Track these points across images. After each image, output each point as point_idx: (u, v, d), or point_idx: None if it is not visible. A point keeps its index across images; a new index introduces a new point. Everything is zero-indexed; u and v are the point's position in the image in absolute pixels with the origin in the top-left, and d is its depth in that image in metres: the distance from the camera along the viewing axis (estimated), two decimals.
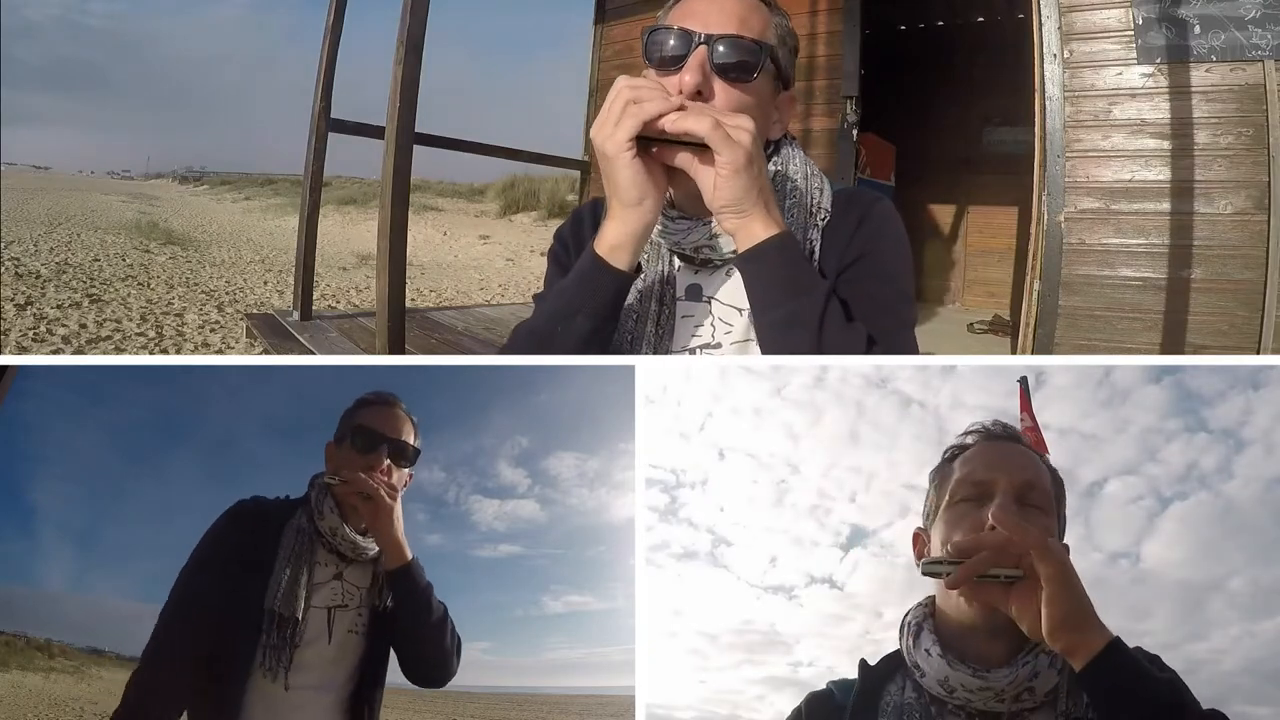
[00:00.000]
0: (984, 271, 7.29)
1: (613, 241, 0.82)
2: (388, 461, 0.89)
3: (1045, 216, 3.13)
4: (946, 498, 0.69)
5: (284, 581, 0.84)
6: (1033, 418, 1.01)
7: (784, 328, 0.80)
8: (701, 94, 0.81)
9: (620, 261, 0.82)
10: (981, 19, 7.06)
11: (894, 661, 0.69)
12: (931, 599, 0.70)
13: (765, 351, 0.84)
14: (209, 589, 0.83)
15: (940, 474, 0.71)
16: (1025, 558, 0.57)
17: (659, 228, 0.90)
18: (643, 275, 0.91)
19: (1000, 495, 0.65)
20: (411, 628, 0.88)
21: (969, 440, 0.71)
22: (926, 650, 0.65)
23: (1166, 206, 3.30)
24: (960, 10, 7.09)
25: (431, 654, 0.89)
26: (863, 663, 0.70)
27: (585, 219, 1.03)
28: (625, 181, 0.78)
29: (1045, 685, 0.62)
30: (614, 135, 0.77)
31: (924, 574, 0.60)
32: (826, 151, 4.59)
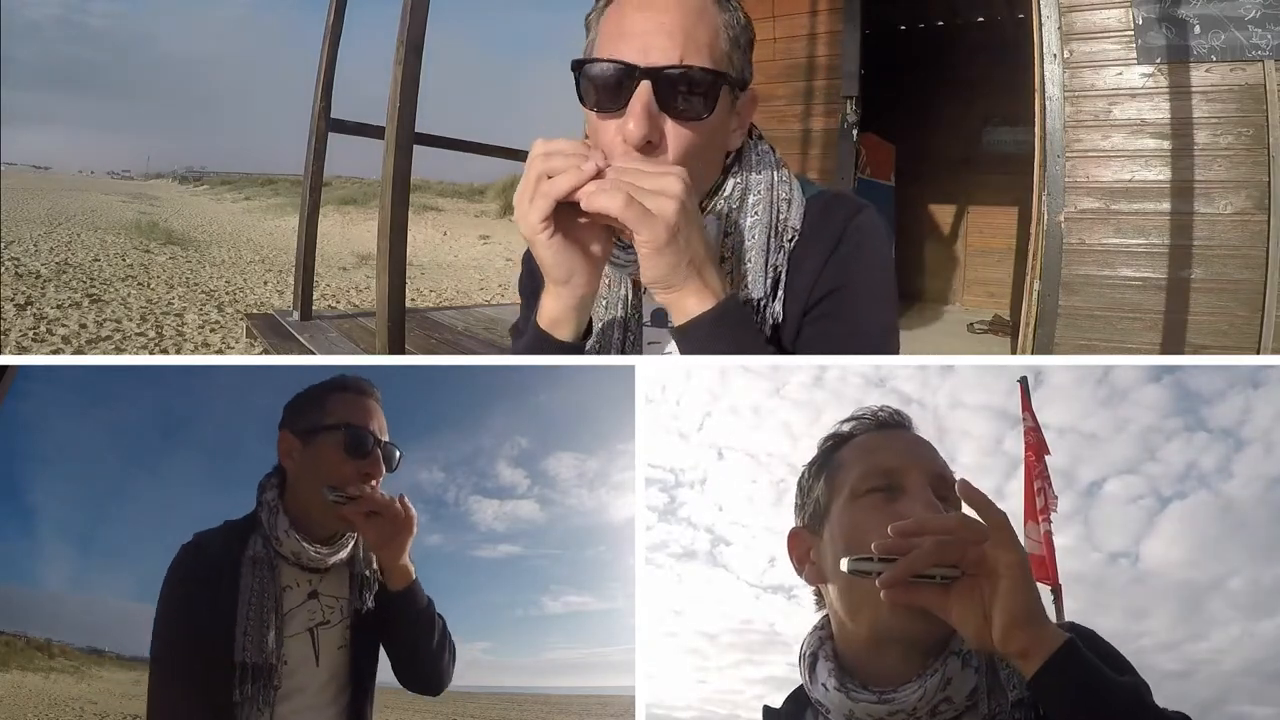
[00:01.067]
0: (984, 271, 7.29)
1: (552, 316, 0.77)
2: (383, 469, 0.82)
3: (1045, 216, 3.13)
4: (846, 491, 0.60)
5: (248, 629, 0.76)
6: (1034, 418, 1.01)
7: None
8: (652, 144, 0.72)
9: (564, 334, 0.77)
10: (981, 19, 7.06)
11: (799, 701, 0.62)
12: (827, 620, 0.63)
13: None
14: (182, 650, 0.77)
15: (826, 466, 0.63)
16: (967, 554, 0.50)
17: (614, 256, 0.81)
18: (604, 303, 0.86)
19: (916, 487, 0.58)
20: (413, 647, 0.83)
21: (850, 428, 0.64)
22: (824, 685, 0.58)
23: (1166, 206, 3.30)
24: (960, 10, 7.09)
25: (429, 669, 0.85)
26: (766, 710, 0.64)
27: None
28: (549, 262, 0.72)
29: (963, 689, 0.54)
30: (527, 217, 0.69)
31: (849, 573, 0.52)
32: (826, 151, 4.60)
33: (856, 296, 0.81)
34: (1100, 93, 3.41)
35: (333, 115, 4.78)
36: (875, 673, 0.57)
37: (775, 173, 0.83)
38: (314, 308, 4.98)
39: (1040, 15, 3.20)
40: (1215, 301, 3.23)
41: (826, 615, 0.63)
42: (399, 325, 3.39)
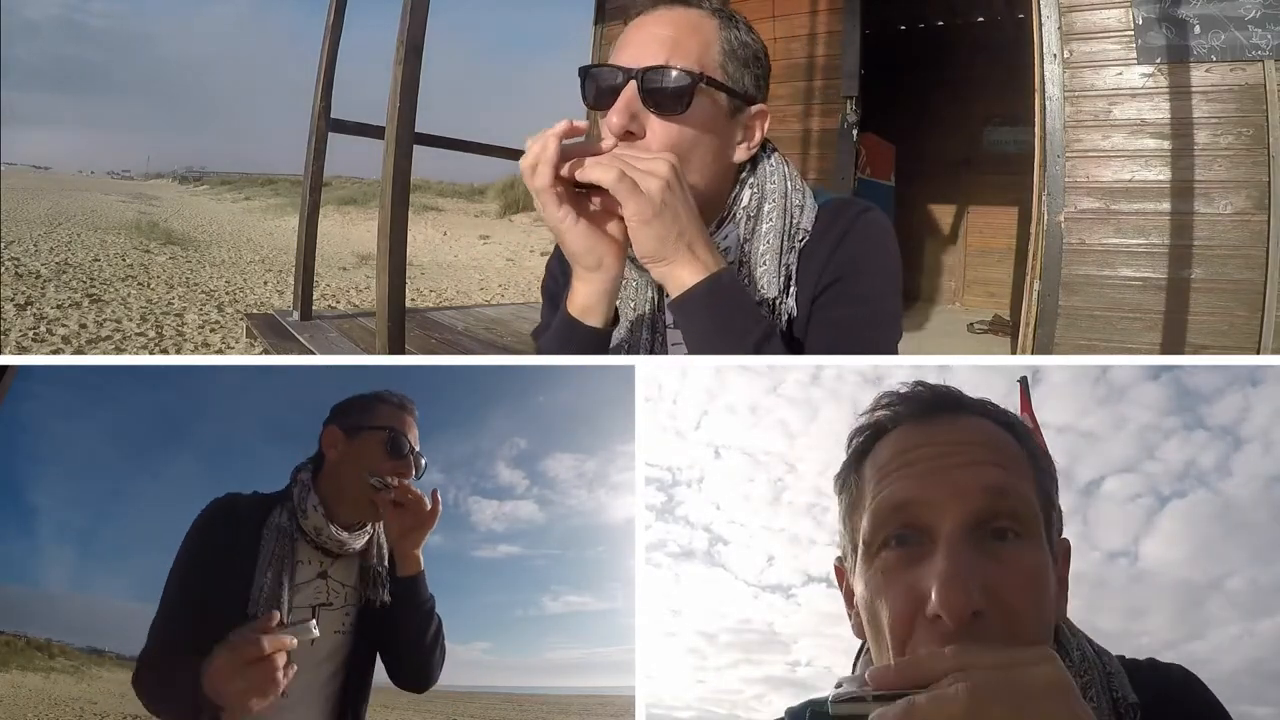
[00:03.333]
0: (984, 271, 7.29)
1: (582, 303, 0.81)
2: (414, 477, 0.88)
3: (1045, 216, 3.13)
4: (862, 536, 0.47)
5: (265, 586, 0.82)
6: (1033, 418, 1.01)
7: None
8: (633, 133, 0.79)
9: (594, 320, 0.81)
10: (981, 19, 7.06)
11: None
12: (867, 651, 0.51)
13: None
14: (195, 594, 0.81)
15: (845, 488, 0.50)
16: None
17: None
18: (632, 305, 0.90)
19: (948, 533, 0.43)
20: (409, 639, 0.87)
21: (884, 416, 0.49)
22: None
23: (1166, 206, 3.30)
24: (960, 10, 7.09)
25: (420, 662, 0.88)
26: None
27: None
28: (578, 249, 0.77)
29: None
30: (533, 183, 0.74)
31: (833, 715, 0.39)
32: (826, 151, 4.59)
33: (859, 282, 0.85)
34: (1100, 93, 3.41)
35: (333, 115, 4.77)
36: None
37: (789, 183, 0.89)
38: (314, 308, 4.98)
39: (1040, 15, 3.20)
40: (1215, 301, 3.23)
41: (868, 648, 0.51)
42: (399, 325, 3.39)
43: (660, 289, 0.89)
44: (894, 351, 0.87)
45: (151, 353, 4.69)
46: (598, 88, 0.81)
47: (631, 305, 0.90)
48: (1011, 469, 0.47)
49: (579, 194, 0.75)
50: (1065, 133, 3.29)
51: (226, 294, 7.21)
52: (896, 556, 0.44)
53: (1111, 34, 3.37)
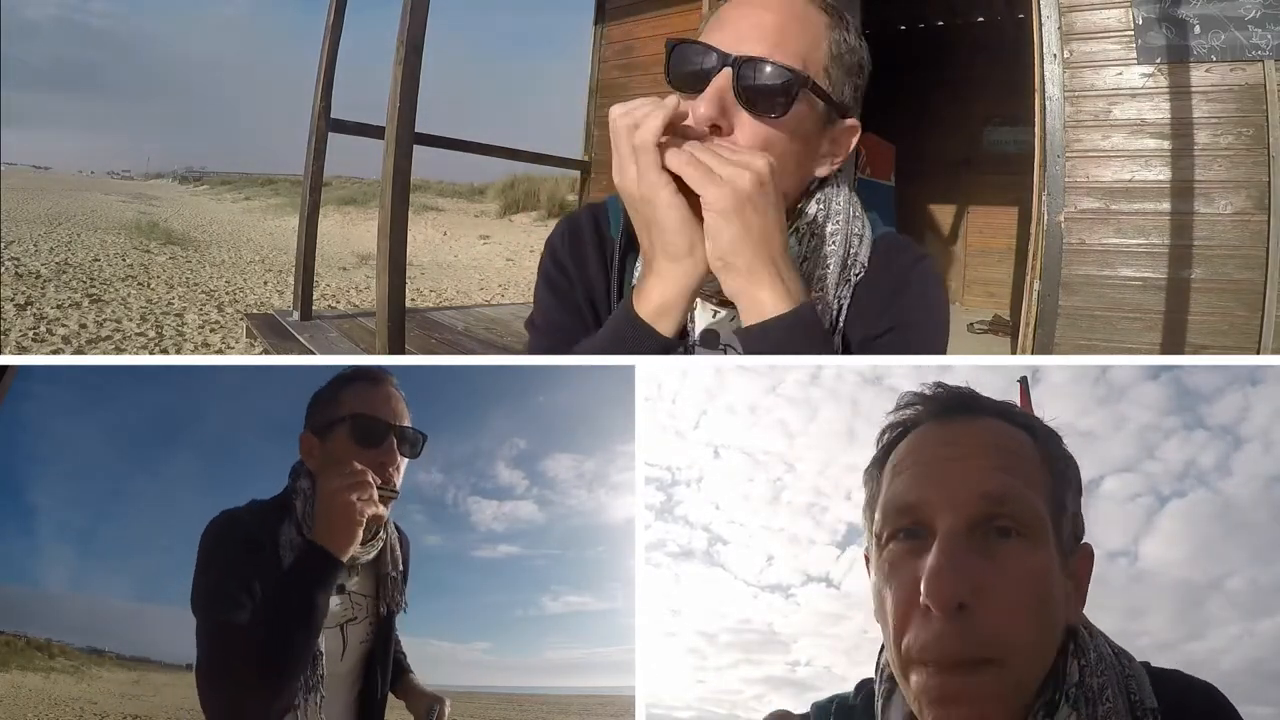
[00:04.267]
0: (984, 271, 7.29)
1: (659, 302, 0.68)
2: (401, 459, 0.81)
3: (1045, 216, 3.13)
4: (875, 529, 0.50)
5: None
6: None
7: None
8: (719, 128, 0.70)
9: (667, 327, 0.69)
10: (981, 19, 7.06)
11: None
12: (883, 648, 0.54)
13: None
14: (229, 622, 0.74)
15: (871, 479, 0.53)
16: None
17: None
18: None
19: (945, 529, 0.45)
20: None
21: (908, 416, 0.52)
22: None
23: (1166, 206, 3.30)
24: (960, 10, 7.09)
25: None
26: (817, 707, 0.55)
27: (585, 234, 0.88)
28: (672, 226, 0.65)
29: None
30: (637, 138, 0.64)
31: None
32: None
33: (913, 336, 0.80)
34: (1100, 93, 3.41)
35: (333, 115, 4.78)
36: None
37: (852, 207, 0.83)
38: (314, 308, 4.98)
39: (1040, 15, 3.20)
40: (1215, 301, 3.23)
41: None
42: (399, 325, 3.39)
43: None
44: None
45: (151, 353, 4.70)
46: (686, 68, 0.72)
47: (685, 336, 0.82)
48: (1017, 472, 0.48)
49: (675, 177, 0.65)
50: (1065, 133, 3.29)
51: (226, 294, 7.21)
52: (901, 550, 0.47)
53: (1111, 34, 3.37)
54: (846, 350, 0.81)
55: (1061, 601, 0.47)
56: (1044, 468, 0.49)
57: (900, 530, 0.47)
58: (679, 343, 0.71)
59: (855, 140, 0.80)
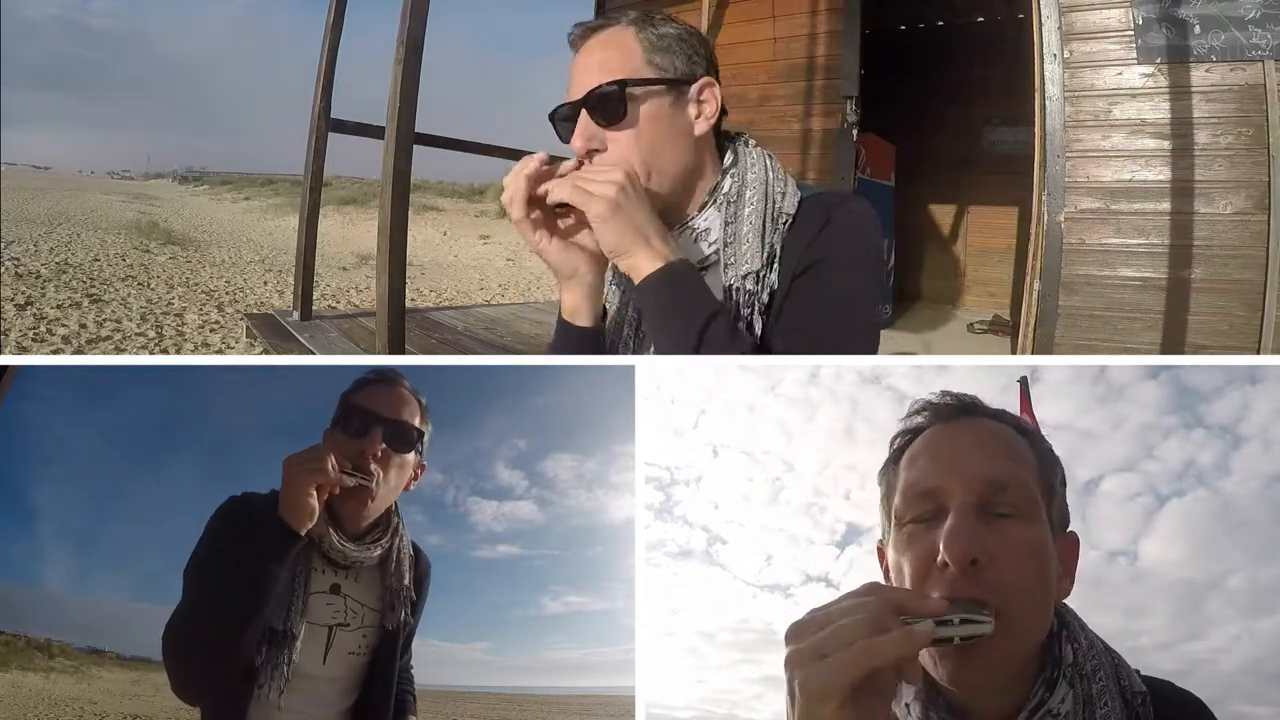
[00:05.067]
0: (984, 271, 7.28)
1: (569, 307, 0.92)
2: (384, 446, 0.84)
3: (1045, 216, 3.12)
4: (894, 517, 0.57)
5: (278, 594, 0.79)
6: (1033, 418, 1.01)
7: (669, 354, 0.85)
8: (597, 149, 0.89)
9: (582, 320, 0.92)
10: (981, 19, 7.05)
11: None
12: None
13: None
14: (214, 587, 0.79)
15: (886, 479, 0.59)
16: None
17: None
18: (615, 309, 0.98)
19: (957, 507, 0.52)
20: None
21: (918, 423, 0.59)
22: (906, 705, 0.55)
23: (1166, 206, 3.30)
24: (960, 10, 7.08)
25: None
26: None
27: None
28: (555, 262, 0.89)
29: None
30: (512, 214, 0.87)
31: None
32: (826, 151, 4.59)
33: (835, 259, 0.89)
34: (1100, 93, 3.41)
35: (333, 115, 4.77)
36: (962, 706, 0.53)
37: (770, 172, 0.95)
38: (314, 308, 4.97)
39: (1040, 15, 3.20)
40: (1215, 301, 3.23)
41: None
42: (399, 325, 3.39)
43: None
44: (868, 332, 0.90)
45: (151, 353, 4.70)
46: (563, 125, 0.92)
47: (615, 309, 0.98)
48: (1015, 460, 0.56)
49: (557, 214, 0.87)
50: (1065, 133, 3.29)
51: (226, 294, 7.21)
52: (919, 527, 0.54)
53: (1111, 34, 3.37)
54: (779, 289, 0.91)
55: (1054, 574, 0.54)
56: (1035, 458, 0.57)
57: (918, 511, 0.54)
58: (598, 329, 0.92)
59: (716, 92, 0.94)
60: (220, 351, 4.83)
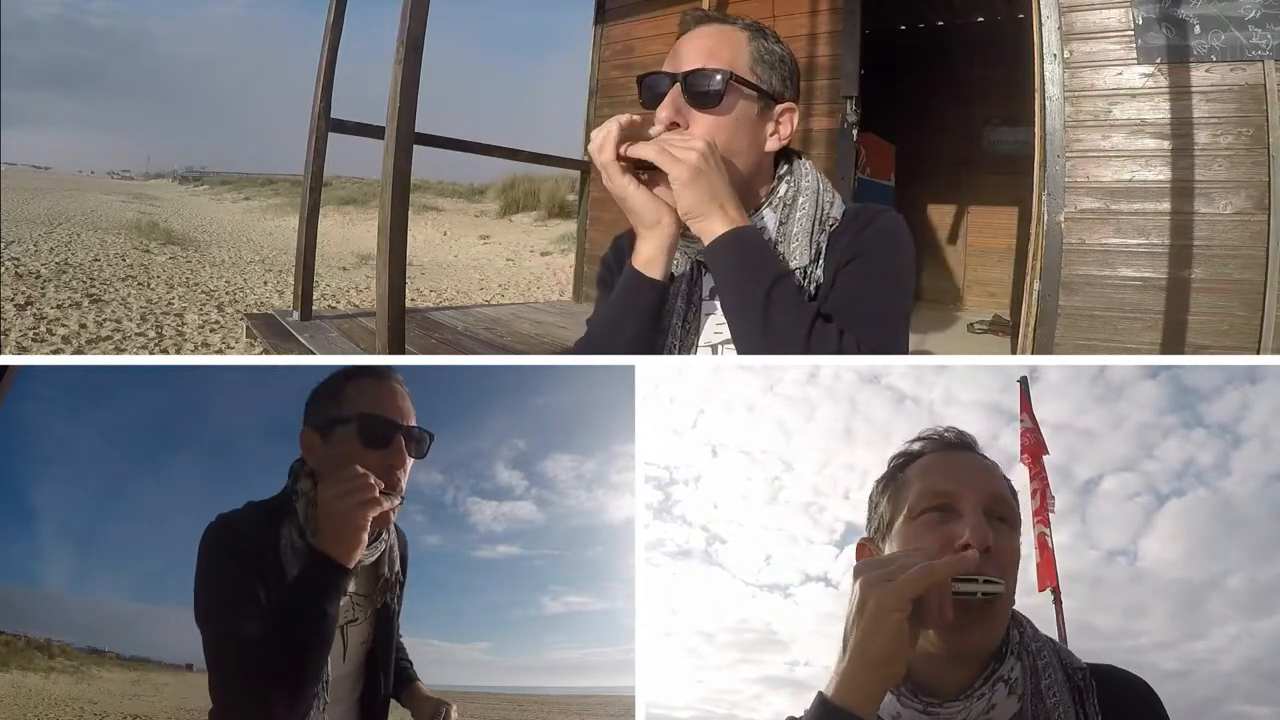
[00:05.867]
0: (984, 271, 7.28)
1: (646, 256, 0.94)
2: (409, 460, 0.79)
3: (1045, 216, 3.13)
4: (906, 510, 0.66)
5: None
6: (1033, 418, 1.01)
7: (737, 310, 0.90)
8: (678, 124, 0.94)
9: (654, 272, 0.94)
10: (981, 19, 7.06)
11: None
12: None
13: (734, 339, 0.92)
14: (236, 633, 0.73)
15: (893, 484, 0.69)
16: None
17: (682, 240, 0.99)
18: (676, 282, 1.02)
19: (969, 509, 0.64)
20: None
21: (919, 448, 0.70)
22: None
23: (1166, 206, 3.30)
24: (960, 10, 7.08)
25: None
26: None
27: (625, 245, 1.12)
28: (639, 207, 0.92)
29: (1005, 715, 0.60)
30: (600, 158, 0.90)
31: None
32: (826, 151, 4.59)
33: (873, 254, 0.98)
34: (1100, 93, 3.41)
35: (333, 115, 4.77)
36: (926, 682, 0.62)
37: (820, 184, 1.05)
38: (314, 308, 4.97)
39: (1040, 15, 3.20)
40: (1215, 301, 3.23)
41: None
42: (399, 325, 3.39)
43: (699, 266, 1.03)
44: (901, 322, 0.98)
45: (151, 353, 4.70)
46: (651, 91, 0.97)
47: (676, 283, 1.02)
48: (1002, 487, 0.68)
49: (636, 171, 0.91)
50: (1065, 133, 3.29)
51: (226, 294, 7.21)
52: (935, 518, 0.64)
53: (1111, 34, 3.37)
54: (824, 283, 0.99)
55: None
56: (1009, 489, 0.69)
57: (933, 506, 0.64)
58: (667, 284, 0.96)
59: (795, 118, 1.03)
60: (220, 351, 4.83)
